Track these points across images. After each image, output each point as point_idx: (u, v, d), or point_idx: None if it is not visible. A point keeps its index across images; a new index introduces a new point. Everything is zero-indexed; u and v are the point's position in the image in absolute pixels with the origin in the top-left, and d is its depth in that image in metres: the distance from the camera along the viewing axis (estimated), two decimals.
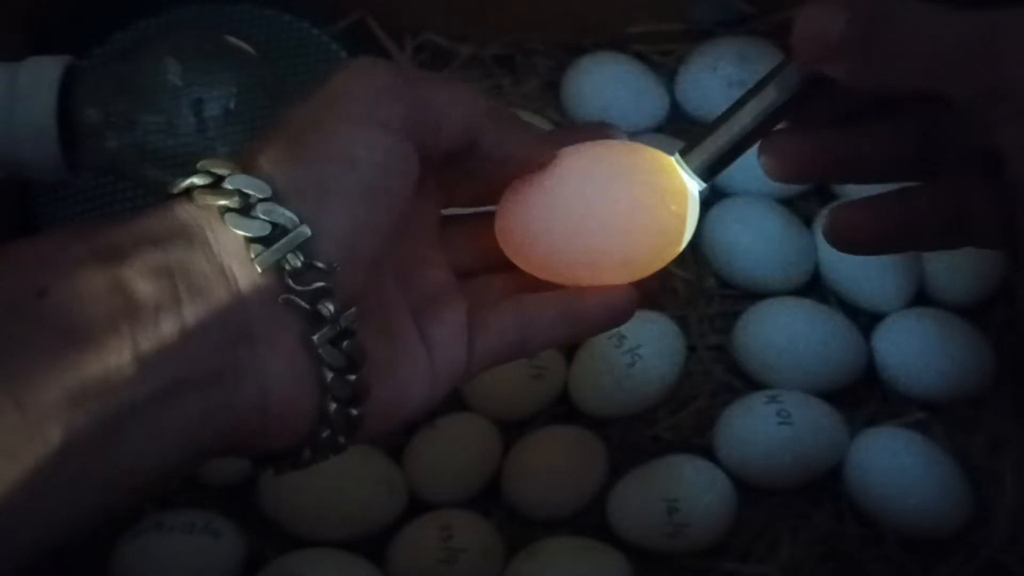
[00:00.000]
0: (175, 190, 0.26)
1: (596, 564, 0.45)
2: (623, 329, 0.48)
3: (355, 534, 0.47)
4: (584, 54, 0.58)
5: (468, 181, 0.33)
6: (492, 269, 0.34)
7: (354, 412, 0.27)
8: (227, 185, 0.25)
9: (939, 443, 0.48)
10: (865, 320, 0.51)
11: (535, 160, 0.31)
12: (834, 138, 0.33)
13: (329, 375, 0.26)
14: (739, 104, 0.32)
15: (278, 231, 0.25)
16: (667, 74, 0.58)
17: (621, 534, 0.47)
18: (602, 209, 0.32)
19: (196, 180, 0.25)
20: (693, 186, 0.33)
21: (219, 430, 0.25)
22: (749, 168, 0.56)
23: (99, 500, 0.24)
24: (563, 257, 0.32)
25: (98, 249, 0.24)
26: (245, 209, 0.25)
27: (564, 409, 0.50)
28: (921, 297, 0.52)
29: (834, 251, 0.51)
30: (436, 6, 0.58)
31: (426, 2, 0.58)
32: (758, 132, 0.32)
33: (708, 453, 0.49)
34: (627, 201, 0.32)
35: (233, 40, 0.41)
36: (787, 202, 0.54)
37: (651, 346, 0.49)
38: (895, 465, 0.47)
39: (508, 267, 0.33)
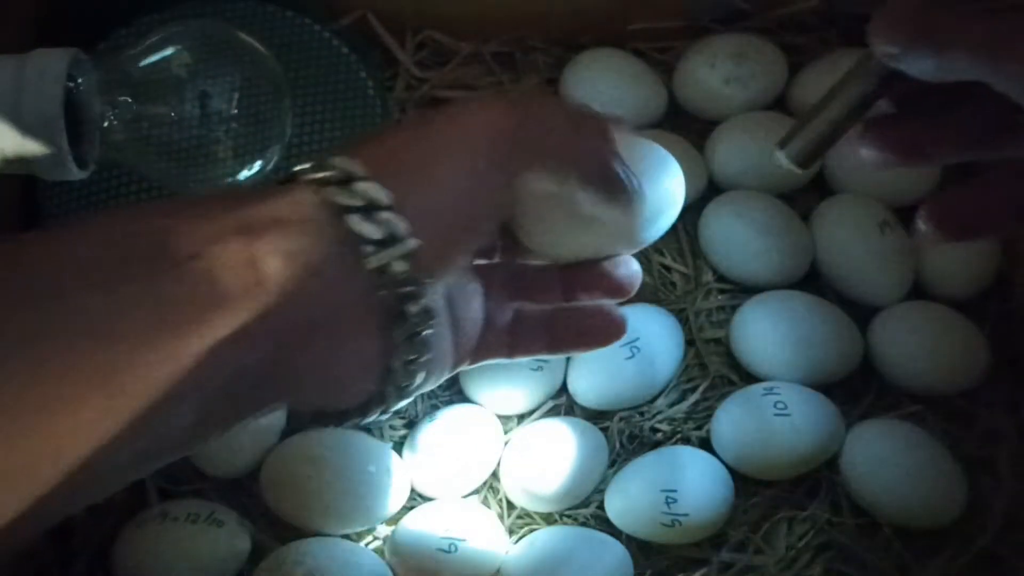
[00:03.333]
0: (305, 177, 0.29)
1: (595, 554, 0.45)
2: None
3: (356, 524, 0.47)
4: (583, 51, 0.58)
5: None
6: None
7: (406, 394, 0.31)
8: (357, 188, 0.28)
9: (934, 435, 0.48)
10: (861, 313, 0.52)
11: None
12: (931, 120, 0.34)
13: (397, 363, 0.30)
14: (830, 95, 0.34)
15: (392, 239, 0.28)
16: (665, 71, 0.59)
17: (620, 524, 0.47)
18: None
19: (327, 174, 0.28)
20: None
21: (289, 389, 0.29)
22: (746, 162, 0.57)
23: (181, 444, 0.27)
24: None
25: (241, 224, 0.27)
26: (368, 212, 0.28)
27: (564, 401, 0.51)
28: (917, 291, 0.52)
29: (831, 245, 0.52)
30: (437, 3, 0.58)
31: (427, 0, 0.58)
32: (850, 121, 0.34)
33: (706, 444, 0.49)
34: None
35: (238, 34, 0.41)
36: (785, 196, 0.54)
37: (650, 343, 0.49)
38: (891, 457, 0.47)
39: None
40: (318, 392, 0.30)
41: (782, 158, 0.35)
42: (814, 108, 0.34)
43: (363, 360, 0.30)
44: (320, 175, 0.28)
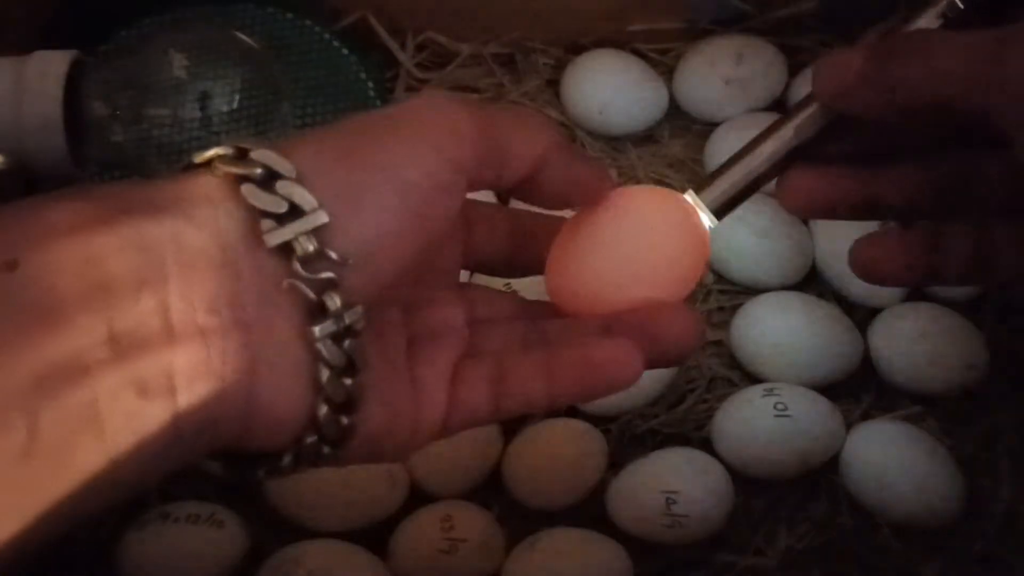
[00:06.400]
0: (197, 160, 0.25)
1: (595, 555, 0.45)
2: None
3: (357, 525, 0.47)
4: (584, 52, 0.59)
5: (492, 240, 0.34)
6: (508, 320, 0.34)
7: (345, 420, 0.26)
8: (253, 156, 0.24)
9: (934, 435, 0.48)
10: (861, 314, 0.52)
11: (598, 193, 0.32)
12: (849, 179, 0.34)
13: (326, 373, 0.25)
14: (754, 144, 0.33)
15: (295, 212, 0.24)
16: (665, 71, 0.59)
17: (620, 525, 0.47)
18: (655, 247, 0.32)
19: (220, 151, 0.25)
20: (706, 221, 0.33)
21: (200, 422, 0.23)
22: None
23: (68, 495, 0.22)
24: (616, 285, 0.32)
25: (80, 219, 0.22)
26: (265, 183, 0.24)
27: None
28: (916, 292, 0.52)
29: (831, 245, 0.52)
30: (437, 5, 0.59)
31: (427, 1, 0.58)
32: (771, 173, 0.33)
33: (706, 446, 0.49)
34: (677, 242, 0.33)
35: (239, 35, 0.41)
36: None
37: None
38: (891, 457, 0.47)
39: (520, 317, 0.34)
40: (233, 419, 0.24)
41: (700, 205, 0.33)
42: (736, 155, 0.33)
43: (285, 373, 0.24)
44: (211, 153, 0.25)
